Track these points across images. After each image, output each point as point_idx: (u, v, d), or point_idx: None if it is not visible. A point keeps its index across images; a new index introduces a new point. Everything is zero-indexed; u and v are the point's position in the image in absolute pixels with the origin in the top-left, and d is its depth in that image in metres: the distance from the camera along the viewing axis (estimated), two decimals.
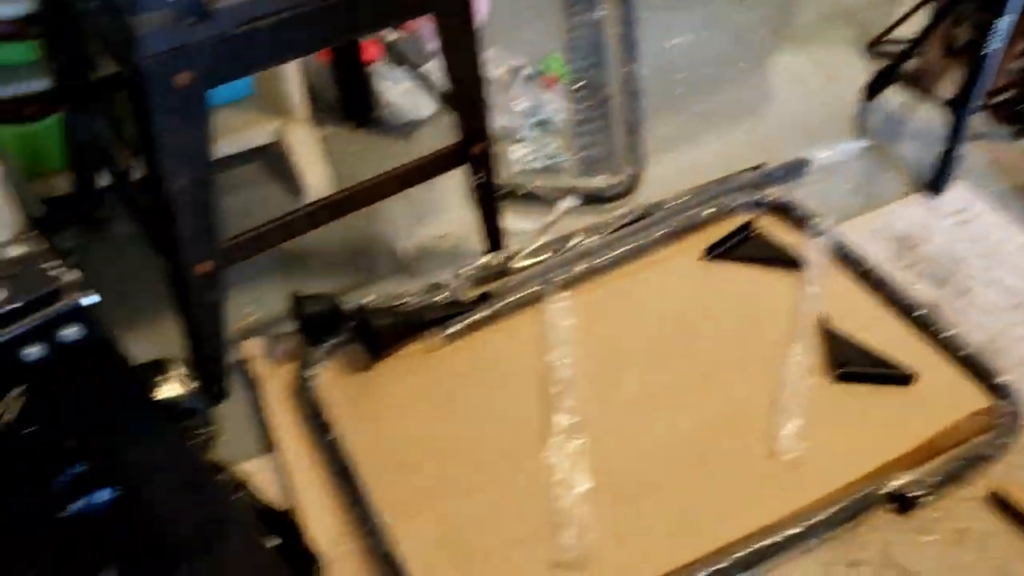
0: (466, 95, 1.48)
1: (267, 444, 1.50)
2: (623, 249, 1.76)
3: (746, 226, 1.80)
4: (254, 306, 1.69)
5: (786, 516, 1.42)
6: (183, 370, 1.11)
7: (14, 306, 0.75)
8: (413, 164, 1.53)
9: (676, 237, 1.80)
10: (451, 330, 1.63)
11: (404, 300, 1.64)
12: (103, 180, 1.64)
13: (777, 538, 1.40)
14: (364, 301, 1.60)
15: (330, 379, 1.57)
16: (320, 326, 1.58)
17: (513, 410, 1.55)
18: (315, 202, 1.48)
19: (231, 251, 1.38)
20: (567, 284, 1.71)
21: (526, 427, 1.52)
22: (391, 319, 1.58)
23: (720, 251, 1.77)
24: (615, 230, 1.79)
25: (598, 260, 1.74)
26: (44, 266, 0.78)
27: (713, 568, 1.36)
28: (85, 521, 1.03)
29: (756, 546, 1.39)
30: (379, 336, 1.56)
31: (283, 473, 1.46)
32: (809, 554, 1.41)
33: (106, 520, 1.02)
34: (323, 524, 1.40)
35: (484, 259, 1.71)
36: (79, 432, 0.81)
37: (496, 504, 1.44)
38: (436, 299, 1.65)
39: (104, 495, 1.02)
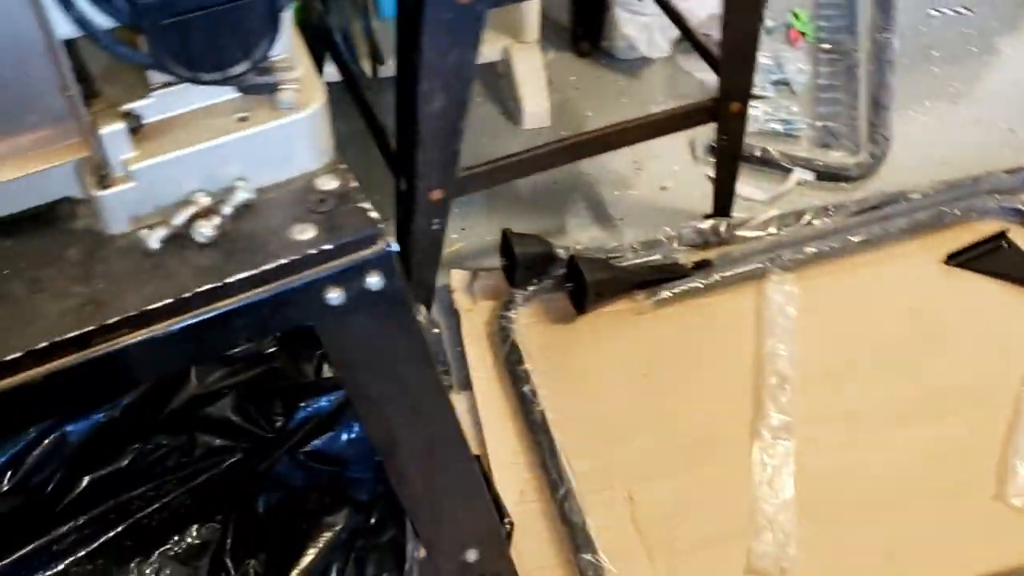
0: (737, 48, 1.34)
1: (464, 381, 1.43)
2: (858, 238, 1.60)
3: (1000, 236, 1.62)
4: (459, 235, 1.60)
5: (1009, 569, 1.29)
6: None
7: (325, 247, 0.67)
8: (662, 115, 1.41)
9: (917, 234, 1.64)
10: (662, 294, 1.52)
11: (616, 254, 1.53)
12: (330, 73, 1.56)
13: None
14: (576, 249, 1.50)
15: (529, 324, 1.49)
16: (528, 268, 1.49)
17: (719, 395, 1.44)
18: (555, 142, 1.38)
19: (465, 181, 1.29)
20: (793, 266, 1.57)
21: (731, 416, 1.41)
22: (603, 273, 1.48)
23: (965, 259, 1.60)
24: (852, 215, 1.64)
25: (829, 245, 1.59)
26: (356, 205, 0.69)
27: None
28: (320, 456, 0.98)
29: None
30: (589, 289, 1.46)
31: (475, 416, 1.39)
32: None
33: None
34: (510, 477, 1.33)
35: (707, 223, 1.58)
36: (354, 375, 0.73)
37: (693, 494, 1.34)
38: (651, 259, 1.54)
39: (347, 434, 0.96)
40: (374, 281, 0.70)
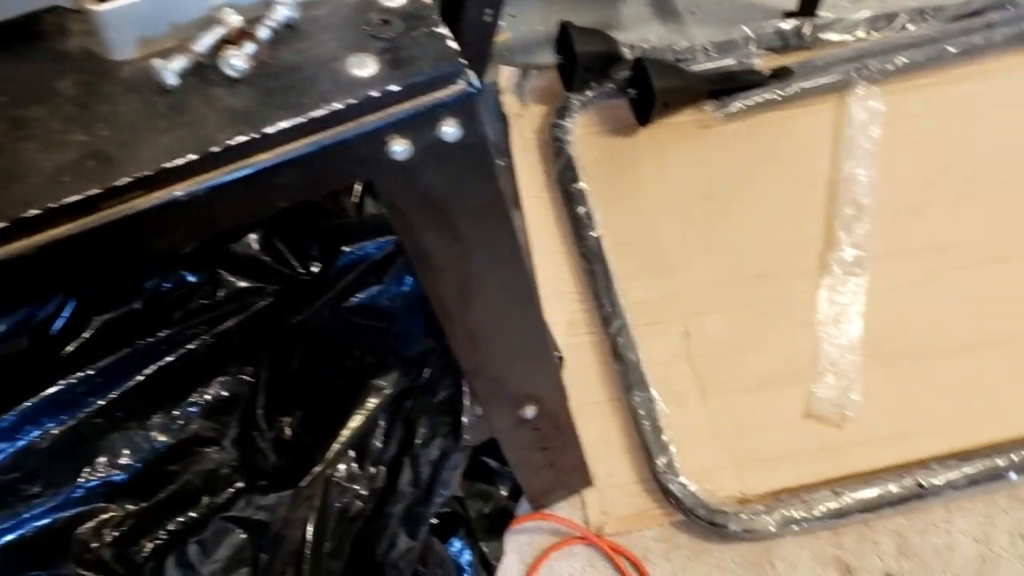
0: None
1: (513, 197, 1.30)
2: (956, 48, 1.41)
3: None
4: (508, 23, 1.41)
5: None
6: None
7: (390, 88, 0.52)
8: None
9: (1018, 44, 1.44)
10: (734, 106, 1.35)
11: (686, 57, 1.36)
12: None
13: None
14: (643, 49, 1.32)
15: (585, 135, 1.34)
16: (588, 69, 1.31)
17: (788, 221, 1.31)
18: None
19: None
20: (881, 78, 1.40)
21: (801, 246, 1.29)
22: (673, 79, 1.31)
23: None
24: (951, 19, 1.44)
25: (923, 55, 1.41)
26: (431, 30, 0.53)
27: (986, 463, 1.17)
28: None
29: None
30: (656, 97, 1.29)
31: (524, 236, 1.27)
32: None
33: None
34: (559, 307, 1.23)
35: (790, 23, 1.39)
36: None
37: (752, 330, 1.24)
38: (724, 63, 1.36)
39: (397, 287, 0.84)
40: (450, 131, 0.55)
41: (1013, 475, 1.17)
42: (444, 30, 0.55)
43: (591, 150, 1.32)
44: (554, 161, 1.30)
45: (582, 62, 1.29)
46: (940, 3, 1.46)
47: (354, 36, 0.55)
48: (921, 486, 1.14)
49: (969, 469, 1.16)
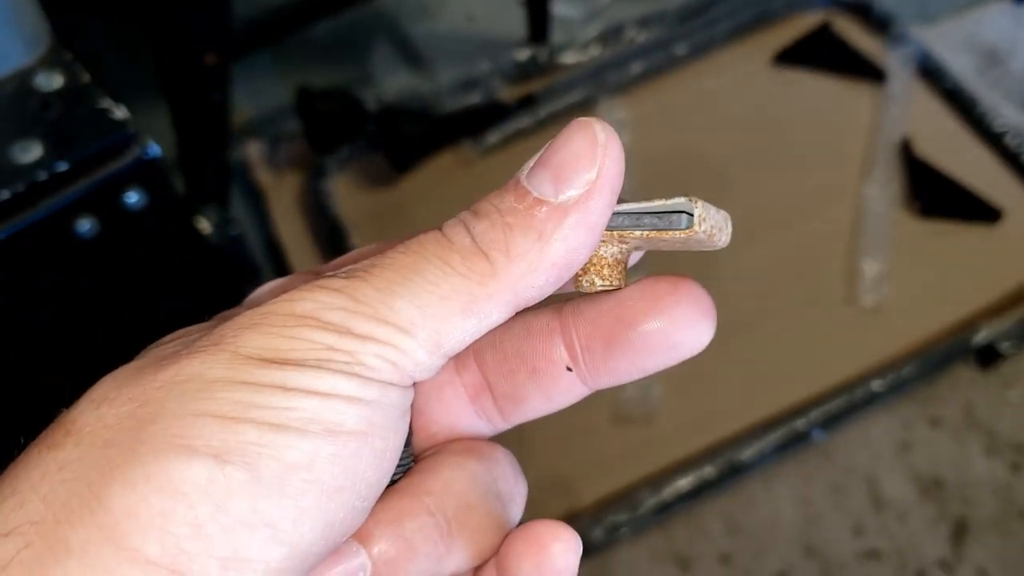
0: None
1: (276, 267, 1.27)
2: (683, 50, 1.50)
3: (824, 28, 1.55)
4: (249, 102, 1.40)
5: (866, 369, 1.28)
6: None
7: (59, 168, 0.49)
8: None
9: (743, 36, 1.54)
10: (489, 140, 1.38)
11: (431, 100, 1.38)
12: None
13: (856, 394, 1.26)
14: (386, 100, 1.33)
15: (347, 193, 1.33)
16: (334, 128, 1.31)
17: None
18: None
19: (244, 37, 1.09)
20: (620, 89, 1.46)
21: None
22: (420, 123, 1.32)
23: (793, 56, 1.53)
24: (675, 23, 1.52)
25: (655, 60, 1.48)
26: (93, 106, 0.51)
27: (789, 427, 1.22)
28: None
29: (834, 403, 1.24)
30: (406, 143, 1.30)
31: None
32: (888, 410, 1.28)
33: None
34: None
35: (525, 52, 1.44)
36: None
37: None
38: (471, 101, 1.39)
39: None
40: (134, 198, 0.53)
41: (816, 433, 1.23)
42: (108, 103, 0.53)
43: (356, 206, 1.31)
44: (322, 224, 1.29)
45: (325, 123, 1.29)
46: (662, 9, 1.54)
47: (15, 123, 0.52)
48: (734, 463, 1.18)
49: (775, 436, 1.21)
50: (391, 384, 0.33)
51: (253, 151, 1.34)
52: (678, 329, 0.37)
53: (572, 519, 1.13)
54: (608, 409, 1.22)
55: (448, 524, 0.37)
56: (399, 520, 0.36)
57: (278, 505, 0.31)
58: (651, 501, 1.15)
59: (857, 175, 1.43)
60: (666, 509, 1.15)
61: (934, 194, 1.42)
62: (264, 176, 1.33)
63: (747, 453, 1.19)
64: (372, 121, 1.32)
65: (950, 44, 1.60)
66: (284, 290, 0.36)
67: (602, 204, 0.35)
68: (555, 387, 0.38)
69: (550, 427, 1.18)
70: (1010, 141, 1.47)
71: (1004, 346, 1.30)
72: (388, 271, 0.34)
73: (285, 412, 0.31)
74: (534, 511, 1.09)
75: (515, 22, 1.47)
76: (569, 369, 0.38)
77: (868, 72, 1.52)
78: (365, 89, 1.41)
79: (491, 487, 0.40)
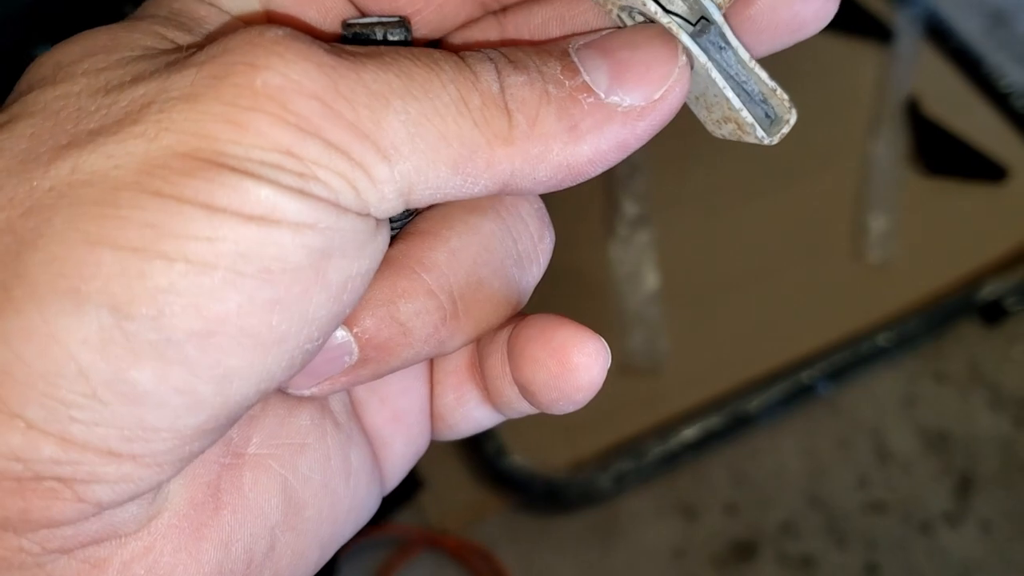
0: None
1: None
2: None
3: None
4: None
5: (872, 324, 1.28)
6: None
7: None
8: None
9: None
10: None
11: None
12: None
13: (862, 348, 1.26)
14: None
15: None
16: None
17: (570, 195, 1.33)
18: None
19: None
20: None
21: (583, 212, 1.32)
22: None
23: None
24: None
25: None
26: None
27: (794, 379, 1.22)
28: None
29: (839, 356, 1.25)
30: None
31: None
32: (893, 365, 1.28)
33: None
34: None
35: None
36: None
37: (555, 304, 1.24)
38: None
39: None
40: None
41: (821, 386, 1.23)
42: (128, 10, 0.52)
43: None
44: None
45: None
46: None
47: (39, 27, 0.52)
48: (740, 414, 1.18)
49: (781, 388, 1.21)
50: (349, 211, 0.26)
51: None
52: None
53: (579, 467, 1.13)
54: (615, 361, 1.21)
55: (454, 305, 0.31)
56: (392, 301, 0.30)
57: (195, 371, 0.24)
58: (657, 451, 1.15)
59: (864, 133, 1.43)
60: (672, 459, 1.15)
61: (940, 152, 1.42)
62: None
63: (753, 404, 1.19)
64: None
65: (957, 5, 1.59)
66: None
67: (650, 131, 0.30)
68: None
69: None
70: (1016, 101, 1.47)
71: (1009, 302, 1.30)
72: (391, 72, 0.26)
73: (209, 244, 0.24)
74: (543, 459, 1.09)
75: None
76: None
77: (876, 31, 1.51)
78: None
79: (510, 251, 0.33)
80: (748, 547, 1.15)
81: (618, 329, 1.23)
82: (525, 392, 0.33)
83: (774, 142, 0.34)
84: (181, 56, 0.26)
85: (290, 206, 0.25)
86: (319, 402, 0.32)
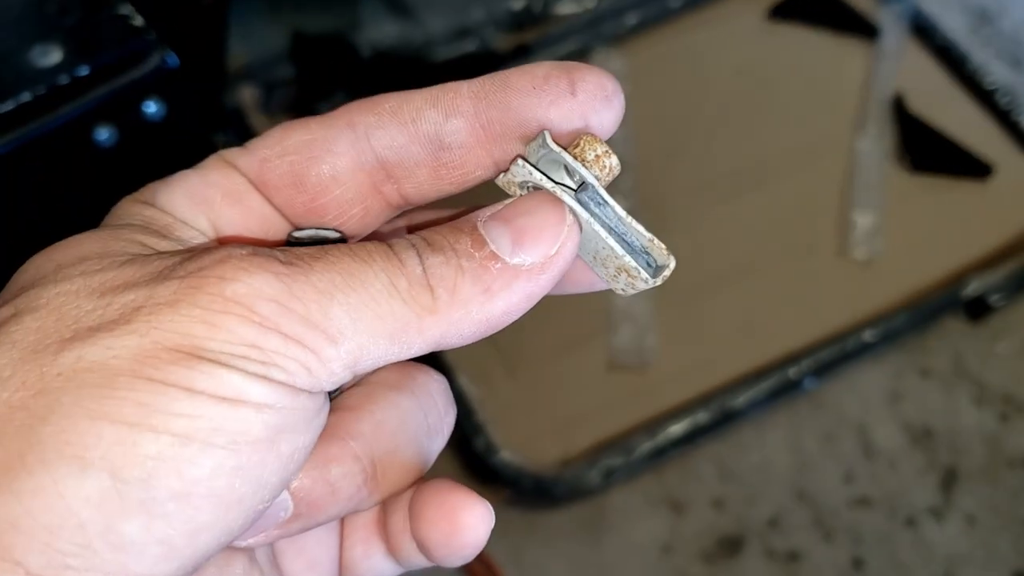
0: None
1: None
2: (677, 2, 1.49)
3: None
4: (242, 46, 1.38)
5: (857, 320, 1.29)
6: None
7: (80, 72, 0.49)
8: None
9: None
10: None
11: (426, 49, 1.37)
12: None
13: (848, 344, 1.27)
14: (378, 48, 1.32)
15: None
16: (328, 75, 1.30)
17: None
18: None
19: None
20: (616, 40, 1.45)
21: None
22: (412, 71, 1.32)
23: (788, 11, 1.53)
24: None
25: (650, 12, 1.48)
26: (113, 12, 0.51)
27: (780, 375, 1.23)
28: None
29: (825, 352, 1.26)
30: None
31: None
32: (879, 361, 1.29)
33: None
34: None
35: (520, 2, 1.43)
36: None
37: (544, 302, 1.25)
38: (465, 49, 1.38)
39: None
40: (153, 109, 0.52)
41: (807, 382, 1.24)
42: (127, 10, 0.52)
43: None
44: None
45: (321, 70, 1.28)
46: None
47: (34, 26, 0.52)
48: (727, 409, 1.19)
49: (767, 384, 1.22)
50: (302, 391, 0.31)
51: (247, 96, 1.33)
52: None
53: (568, 463, 1.14)
54: (603, 358, 1.23)
55: (374, 469, 0.37)
56: (325, 465, 0.35)
57: (173, 525, 0.29)
58: (645, 446, 1.15)
59: (850, 129, 1.43)
60: (660, 454, 1.16)
61: (926, 149, 1.43)
62: (258, 122, 1.32)
63: (740, 400, 1.20)
64: (366, 68, 1.31)
65: (942, 2, 1.60)
66: (193, 191, 0.36)
67: (551, 281, 0.35)
68: None
69: (547, 375, 1.19)
70: (1000, 98, 1.48)
71: (993, 299, 1.32)
72: (333, 271, 0.32)
73: (189, 421, 0.29)
74: (532, 456, 1.10)
75: None
76: None
77: (861, 28, 1.52)
78: (358, 36, 1.40)
79: (421, 424, 0.39)
80: (735, 541, 1.16)
81: (606, 326, 1.24)
82: (421, 547, 0.37)
83: (659, 283, 0.38)
84: (163, 264, 0.32)
85: (254, 389, 0.30)
86: (249, 552, 0.37)
